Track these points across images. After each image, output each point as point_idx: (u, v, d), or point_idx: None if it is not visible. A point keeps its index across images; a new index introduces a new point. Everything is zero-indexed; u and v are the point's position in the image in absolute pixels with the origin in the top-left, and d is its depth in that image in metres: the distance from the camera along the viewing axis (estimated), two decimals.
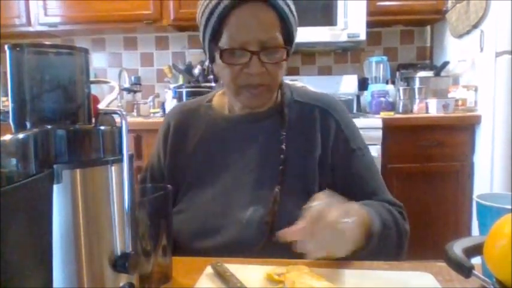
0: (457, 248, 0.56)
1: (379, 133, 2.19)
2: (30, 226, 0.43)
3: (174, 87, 2.65)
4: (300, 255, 0.73)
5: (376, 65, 2.70)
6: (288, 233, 0.67)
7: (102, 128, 0.50)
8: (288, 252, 0.71)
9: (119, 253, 0.50)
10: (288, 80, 1.08)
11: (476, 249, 0.57)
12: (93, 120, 0.51)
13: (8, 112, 0.47)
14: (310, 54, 2.98)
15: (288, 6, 0.89)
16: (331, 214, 0.68)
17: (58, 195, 0.45)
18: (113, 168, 0.49)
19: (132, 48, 3.09)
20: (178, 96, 2.56)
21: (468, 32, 2.37)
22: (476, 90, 2.36)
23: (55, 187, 0.45)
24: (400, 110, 2.49)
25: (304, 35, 2.43)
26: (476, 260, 0.57)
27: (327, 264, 0.72)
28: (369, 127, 2.16)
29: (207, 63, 2.54)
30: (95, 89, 0.50)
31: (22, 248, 0.42)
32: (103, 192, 0.49)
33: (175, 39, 3.04)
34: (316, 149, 0.93)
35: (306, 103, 0.98)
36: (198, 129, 1.00)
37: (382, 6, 2.54)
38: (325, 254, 0.68)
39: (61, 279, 0.46)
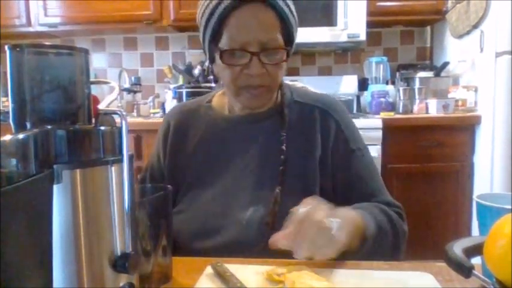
0: (457, 248, 0.56)
1: (379, 133, 2.20)
2: (30, 226, 0.43)
3: (174, 88, 2.65)
4: None
5: (376, 66, 2.70)
6: (278, 240, 0.68)
7: (102, 128, 0.50)
8: (288, 252, 0.72)
9: (119, 253, 0.50)
10: (288, 81, 1.08)
11: (476, 249, 0.57)
12: (93, 120, 0.51)
13: (8, 112, 0.47)
14: (310, 55, 2.98)
15: (288, 6, 0.89)
16: (317, 214, 0.69)
17: (58, 195, 0.45)
18: (113, 168, 0.49)
19: (132, 48, 3.09)
20: (178, 97, 2.56)
21: (468, 32, 2.37)
22: (476, 90, 2.36)
23: (55, 187, 0.45)
24: (400, 111, 2.49)
25: (304, 35, 2.42)
26: (476, 260, 0.57)
27: (327, 264, 0.72)
28: (369, 127, 2.16)
29: (207, 63, 2.55)
30: (95, 90, 0.50)
31: (22, 248, 0.42)
32: (103, 192, 0.49)
33: (175, 40, 3.04)
34: (317, 149, 0.93)
35: (306, 103, 0.98)
36: (198, 130, 1.00)
37: (382, 6, 2.54)
38: (312, 254, 0.68)
39: (61, 279, 0.46)
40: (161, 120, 1.08)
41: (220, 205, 0.91)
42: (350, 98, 2.70)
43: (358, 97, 2.76)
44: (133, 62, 3.09)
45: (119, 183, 0.50)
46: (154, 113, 2.82)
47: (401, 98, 2.50)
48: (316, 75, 2.99)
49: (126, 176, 0.50)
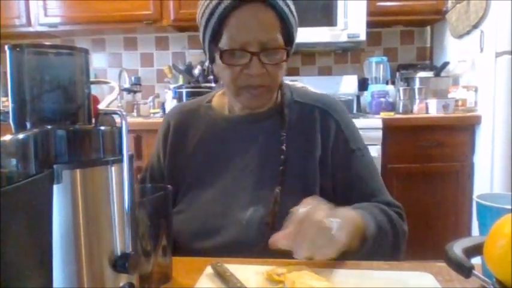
0: (457, 248, 0.56)
1: (379, 133, 2.20)
2: (30, 226, 0.43)
3: (174, 88, 2.65)
4: None
5: (376, 66, 2.70)
6: (278, 240, 0.68)
7: (102, 128, 0.50)
8: (288, 252, 0.72)
9: (119, 253, 0.50)
10: (288, 81, 1.08)
11: (476, 249, 0.57)
12: (93, 120, 0.51)
13: (8, 112, 0.47)
14: (310, 55, 2.98)
15: (288, 6, 0.89)
16: (317, 214, 0.69)
17: (58, 195, 0.45)
18: (113, 168, 0.49)
19: (132, 48, 3.09)
20: (178, 97, 2.56)
21: (468, 32, 2.37)
22: (476, 90, 2.36)
23: (55, 187, 0.45)
24: (400, 110, 2.49)
25: (304, 35, 2.42)
26: (476, 260, 0.57)
27: (327, 264, 0.72)
28: (369, 127, 2.16)
29: (207, 63, 2.55)
30: (95, 89, 0.50)
31: (22, 248, 0.42)
32: (103, 192, 0.49)
33: (175, 40, 3.04)
34: (317, 149, 0.93)
35: (306, 103, 0.98)
36: (198, 130, 1.00)
37: (382, 6, 2.54)
38: (312, 254, 0.68)
39: (61, 279, 0.46)
40: (161, 120, 1.08)
41: (220, 205, 0.91)
42: (350, 98, 2.70)
43: (358, 97, 2.76)
44: (133, 62, 3.09)
45: (119, 183, 0.50)
46: (154, 113, 2.82)
47: (401, 98, 2.50)
48: (316, 75, 2.99)
49: (126, 176, 0.50)
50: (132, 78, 2.94)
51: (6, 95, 0.48)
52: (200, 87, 2.53)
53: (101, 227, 0.49)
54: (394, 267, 0.74)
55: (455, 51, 2.61)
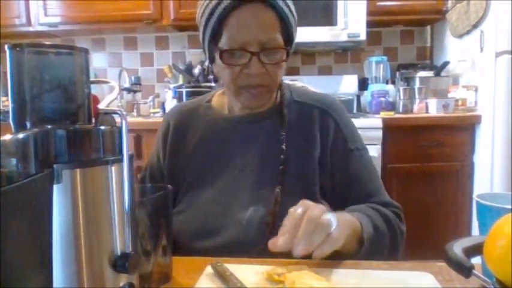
0: (457, 248, 0.56)
1: (379, 133, 2.20)
2: (30, 226, 0.43)
3: (174, 87, 2.65)
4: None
5: (376, 65, 2.70)
6: (274, 244, 0.68)
7: (102, 128, 0.50)
8: (288, 252, 0.72)
9: (119, 253, 0.50)
10: (288, 80, 1.08)
11: (476, 249, 0.57)
12: (93, 120, 0.51)
13: (8, 112, 0.47)
14: (310, 54, 2.98)
15: (288, 6, 0.89)
16: (315, 211, 0.68)
17: (58, 195, 0.45)
18: (113, 168, 0.49)
19: (132, 48, 3.09)
20: (178, 96, 2.56)
21: (468, 32, 2.37)
22: (476, 90, 2.36)
23: (55, 187, 0.45)
24: (400, 110, 2.49)
25: (304, 35, 2.42)
26: (476, 260, 0.57)
27: (327, 264, 0.72)
28: (369, 127, 2.16)
29: (207, 63, 2.55)
30: (95, 89, 0.50)
31: (22, 248, 0.42)
32: (103, 192, 0.49)
33: (176, 39, 3.04)
34: (316, 149, 0.93)
35: (305, 103, 0.98)
36: (198, 130, 1.00)
37: (382, 6, 2.55)
38: (310, 251, 0.68)
39: (61, 279, 0.46)
40: (161, 120, 1.09)
41: (220, 205, 0.91)
42: (350, 97, 2.70)
43: (358, 97, 2.76)
44: (133, 62, 3.09)
45: (119, 183, 0.50)
46: (154, 113, 2.82)
47: (402, 97, 2.50)
48: (316, 75, 2.99)
49: (126, 176, 0.50)
50: (132, 78, 2.94)
51: (6, 95, 0.48)
52: (200, 87, 2.53)
53: (101, 227, 0.49)
54: (394, 267, 0.74)
55: (455, 51, 2.61)
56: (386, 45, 2.96)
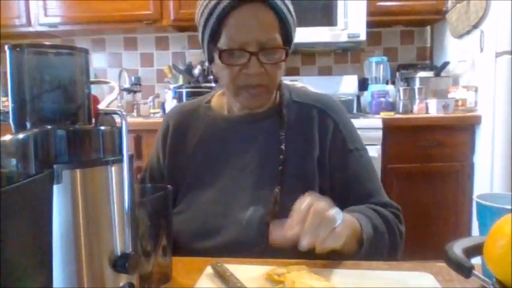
0: (457, 248, 0.56)
1: (379, 133, 2.20)
2: (30, 226, 0.43)
3: (174, 88, 2.65)
4: (300, 255, 0.73)
5: (376, 65, 2.70)
6: (278, 236, 0.68)
7: (102, 128, 0.50)
8: (288, 252, 0.72)
9: (119, 253, 0.50)
10: (288, 81, 1.08)
11: (476, 249, 0.57)
12: (93, 120, 0.51)
13: (8, 112, 0.47)
14: (310, 55, 2.98)
15: (287, 6, 0.89)
16: (321, 205, 0.69)
17: (58, 195, 0.45)
18: (113, 168, 0.49)
19: (132, 48, 3.09)
20: (178, 97, 2.56)
21: (468, 32, 2.37)
22: (476, 90, 2.36)
23: (55, 187, 0.45)
24: (400, 110, 2.49)
25: (304, 35, 2.42)
26: (476, 260, 0.57)
27: (327, 264, 0.73)
28: (369, 127, 2.16)
29: (207, 63, 2.54)
30: (95, 89, 0.50)
31: (22, 248, 0.42)
32: (103, 192, 0.49)
33: (176, 40, 3.04)
34: (315, 149, 0.93)
35: (304, 103, 0.98)
36: (197, 130, 1.00)
37: (382, 6, 2.54)
38: (315, 244, 0.68)
39: (61, 279, 0.46)
40: (161, 120, 1.09)
41: (220, 205, 0.91)
42: (350, 98, 2.70)
43: (358, 97, 2.76)
44: (133, 62, 3.09)
45: (119, 183, 0.50)
46: (154, 113, 2.82)
47: (401, 98, 2.50)
48: (316, 75, 2.99)
49: (126, 176, 0.50)
50: (132, 78, 2.94)
51: (6, 95, 0.48)
52: (200, 87, 2.53)
53: (101, 227, 0.49)
54: (394, 267, 0.74)
55: (455, 51, 2.61)
56: (386, 46, 2.96)
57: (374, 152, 2.14)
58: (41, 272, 0.44)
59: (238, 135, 0.97)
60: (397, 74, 2.72)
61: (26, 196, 0.42)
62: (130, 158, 0.51)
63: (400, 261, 0.78)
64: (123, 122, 0.50)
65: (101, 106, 0.53)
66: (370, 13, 2.49)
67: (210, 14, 0.87)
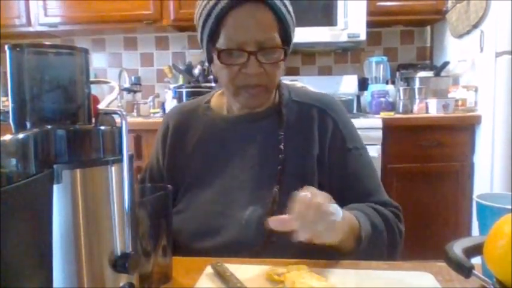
0: (457, 248, 0.56)
1: (379, 133, 2.20)
2: (30, 226, 0.43)
3: (174, 88, 2.65)
4: (300, 255, 0.73)
5: (376, 65, 2.70)
6: (276, 222, 0.68)
7: (102, 128, 0.50)
8: (288, 252, 0.72)
9: (119, 253, 0.50)
10: (288, 80, 1.08)
11: (476, 249, 0.57)
12: (93, 120, 0.51)
13: (8, 112, 0.47)
14: (310, 55, 2.98)
15: (285, 6, 0.89)
16: (321, 199, 0.69)
17: (58, 195, 0.45)
18: (113, 168, 0.49)
19: (132, 48, 3.09)
20: (178, 97, 2.56)
21: (468, 32, 2.37)
22: (476, 90, 2.36)
23: (55, 187, 0.45)
24: (400, 110, 2.49)
25: (304, 35, 2.42)
26: (476, 260, 0.57)
27: (327, 264, 0.73)
28: (369, 127, 2.16)
29: (206, 63, 2.54)
30: (95, 89, 0.50)
31: (22, 248, 0.42)
32: (103, 192, 0.49)
33: (175, 40, 3.04)
34: (314, 148, 0.93)
35: (304, 103, 0.98)
36: (197, 130, 1.00)
37: (382, 6, 2.54)
38: (313, 236, 0.68)
39: (61, 279, 0.46)
40: (161, 120, 1.09)
41: (219, 205, 0.91)
42: (350, 97, 2.70)
43: (358, 97, 2.76)
44: (133, 62, 3.09)
45: (119, 183, 0.50)
46: (154, 113, 2.82)
47: (401, 97, 2.50)
48: (316, 75, 2.99)
49: (126, 176, 0.50)
50: (132, 78, 2.94)
51: (6, 95, 0.48)
52: (200, 87, 2.53)
53: (101, 227, 0.49)
54: (394, 267, 0.74)
55: (455, 51, 2.61)
56: (386, 46, 2.96)
57: (374, 152, 2.14)
58: (41, 272, 0.44)
59: (238, 134, 0.97)
60: (397, 73, 2.72)
61: (26, 196, 0.42)
62: (131, 158, 0.51)
63: (400, 261, 0.78)
64: (123, 122, 0.50)
65: (101, 106, 0.53)
66: (370, 13, 2.49)
67: (209, 14, 0.87)
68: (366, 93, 2.71)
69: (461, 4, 2.38)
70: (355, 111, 2.68)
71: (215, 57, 0.89)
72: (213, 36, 0.88)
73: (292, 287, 0.62)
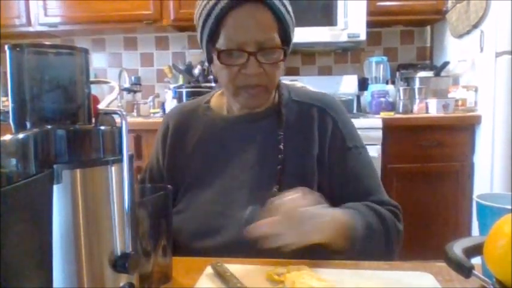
0: (457, 248, 0.56)
1: (379, 133, 2.19)
2: (30, 226, 0.43)
3: (174, 88, 2.65)
4: (300, 255, 0.73)
5: (376, 65, 2.70)
6: (257, 227, 0.70)
7: (102, 128, 0.50)
8: (288, 252, 0.72)
9: (119, 253, 0.50)
10: (288, 80, 1.08)
11: (476, 249, 0.57)
12: (93, 120, 0.51)
13: (8, 112, 0.47)
14: (310, 55, 2.98)
15: (285, 6, 0.89)
16: (294, 202, 0.72)
17: (58, 195, 0.45)
18: (113, 168, 0.49)
19: (132, 48, 3.09)
20: (178, 97, 2.56)
21: (468, 32, 2.37)
22: (476, 90, 2.36)
23: (55, 187, 0.45)
24: (400, 110, 2.49)
25: (304, 35, 2.42)
26: (476, 260, 0.57)
27: (327, 264, 0.73)
28: (369, 127, 2.16)
29: (206, 63, 2.54)
30: (95, 89, 0.50)
31: (22, 248, 0.42)
32: (103, 192, 0.49)
33: (175, 39, 3.04)
34: (314, 147, 0.93)
35: (303, 102, 0.98)
36: (197, 130, 1.00)
37: (382, 6, 2.54)
38: (295, 241, 0.71)
39: (61, 279, 0.46)
40: (161, 120, 1.09)
41: (219, 205, 0.91)
42: (350, 97, 2.70)
43: (358, 97, 2.76)
44: (133, 62, 3.09)
45: (119, 183, 0.50)
46: (154, 113, 2.82)
47: (402, 97, 2.50)
48: (316, 75, 2.99)
49: (126, 176, 0.50)
50: (132, 78, 2.94)
51: (6, 95, 0.48)
52: (200, 87, 2.53)
53: (101, 227, 0.49)
54: (394, 267, 0.74)
55: (455, 51, 2.61)
56: (386, 46, 2.96)
57: (374, 151, 2.14)
58: (41, 272, 0.44)
59: (237, 134, 0.97)
60: (397, 73, 2.72)
61: (26, 196, 0.42)
62: (131, 158, 0.51)
63: (400, 261, 0.78)
64: (123, 122, 0.50)
65: (101, 106, 0.53)
66: (370, 13, 2.49)
67: (209, 14, 0.87)
68: (366, 93, 2.71)
69: (461, 4, 2.38)
70: (355, 111, 2.68)
71: (215, 57, 0.89)
72: (212, 37, 0.89)
73: (292, 287, 0.62)
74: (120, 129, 0.50)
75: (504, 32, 2.10)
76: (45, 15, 2.70)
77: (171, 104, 2.62)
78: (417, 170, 2.29)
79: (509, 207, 0.58)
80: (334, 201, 0.84)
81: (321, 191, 0.91)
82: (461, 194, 2.29)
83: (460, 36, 2.47)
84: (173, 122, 1.03)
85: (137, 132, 2.33)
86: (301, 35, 2.21)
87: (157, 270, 0.67)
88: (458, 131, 2.29)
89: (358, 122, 2.00)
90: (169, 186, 0.70)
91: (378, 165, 2.14)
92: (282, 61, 0.91)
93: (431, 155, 2.27)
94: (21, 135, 0.43)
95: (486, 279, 0.53)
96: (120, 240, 0.50)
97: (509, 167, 2.13)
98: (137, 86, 2.94)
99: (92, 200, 0.47)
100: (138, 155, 2.31)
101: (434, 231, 2.26)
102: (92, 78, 0.52)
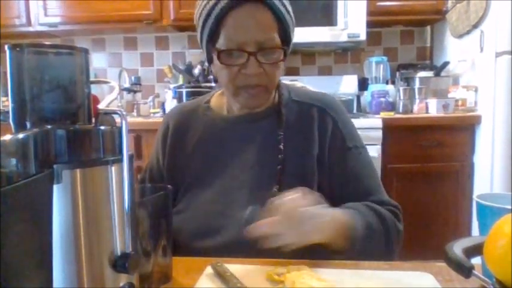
0: (457, 248, 0.56)
1: (379, 133, 2.19)
2: (30, 226, 0.43)
3: (174, 87, 2.65)
4: (300, 255, 0.73)
5: (376, 65, 2.70)
6: (257, 227, 0.70)
7: (102, 128, 0.50)
8: (288, 252, 0.72)
9: (119, 253, 0.50)
10: (288, 80, 1.08)
11: (476, 249, 0.57)
12: (93, 120, 0.51)
13: (8, 112, 0.47)
14: (310, 55, 2.98)
15: (285, 6, 0.89)
16: (293, 203, 0.72)
17: (58, 195, 0.45)
18: (113, 168, 0.49)
19: (132, 48, 3.09)
20: (178, 97, 2.56)
21: (468, 32, 2.37)
22: (476, 90, 2.36)
23: (55, 187, 0.45)
24: (400, 110, 2.49)
25: (304, 35, 2.42)
26: (476, 260, 0.57)
27: (327, 264, 0.73)
28: (369, 127, 2.16)
29: (206, 63, 2.54)
30: (95, 89, 0.50)
31: (22, 248, 0.42)
32: (103, 192, 0.49)
33: (175, 39, 3.04)
34: (314, 147, 0.93)
35: (303, 102, 0.98)
36: (197, 130, 1.00)
37: (382, 6, 2.54)
38: (294, 241, 0.71)
39: (61, 279, 0.46)
40: (161, 120, 1.09)
41: (219, 205, 0.91)
42: (350, 97, 2.70)
43: (358, 97, 2.76)
44: (133, 62, 3.09)
45: (119, 183, 0.50)
46: (154, 113, 2.82)
47: (402, 97, 2.50)
48: (316, 75, 2.99)
49: (126, 176, 0.50)
50: (132, 78, 2.94)
51: (6, 95, 0.48)
52: (200, 87, 2.53)
53: (101, 227, 0.49)
54: (394, 267, 0.74)
55: (455, 51, 2.61)
56: (386, 46, 2.96)
57: (374, 152, 2.14)
58: (41, 272, 0.44)
59: (237, 134, 0.97)
60: (397, 73, 2.72)
61: (26, 196, 0.42)
62: (131, 157, 0.51)
63: (400, 261, 0.78)
64: (123, 122, 0.50)
65: (101, 106, 0.53)
66: (370, 13, 2.49)
67: (209, 14, 0.87)
68: (366, 93, 2.71)
69: (461, 4, 2.38)
70: (355, 111, 2.68)
71: (215, 57, 0.89)
72: (212, 37, 0.89)
73: (292, 287, 0.62)
74: (120, 129, 0.50)
75: (504, 32, 2.10)
76: (45, 15, 2.70)
77: (171, 104, 2.62)
78: (417, 170, 2.29)
79: (509, 207, 0.58)
80: (334, 201, 0.84)
81: (321, 191, 0.91)
82: (461, 194, 2.29)
83: (460, 36, 2.47)
84: (173, 122, 1.03)
85: (137, 132, 2.33)
86: (301, 35, 2.21)
87: (157, 270, 0.67)
88: (458, 131, 2.29)
89: (358, 122, 2.00)
90: (169, 186, 0.70)
91: (378, 165, 2.14)
92: (282, 61, 0.91)
93: (431, 155, 2.27)
94: (21, 135, 0.43)
95: (486, 279, 0.53)
96: (120, 240, 0.50)
97: (509, 167, 2.13)
98: (137, 86, 2.94)
99: (92, 200, 0.47)
100: (138, 155, 2.31)
101: (434, 231, 2.26)
102: (92, 78, 0.52)
